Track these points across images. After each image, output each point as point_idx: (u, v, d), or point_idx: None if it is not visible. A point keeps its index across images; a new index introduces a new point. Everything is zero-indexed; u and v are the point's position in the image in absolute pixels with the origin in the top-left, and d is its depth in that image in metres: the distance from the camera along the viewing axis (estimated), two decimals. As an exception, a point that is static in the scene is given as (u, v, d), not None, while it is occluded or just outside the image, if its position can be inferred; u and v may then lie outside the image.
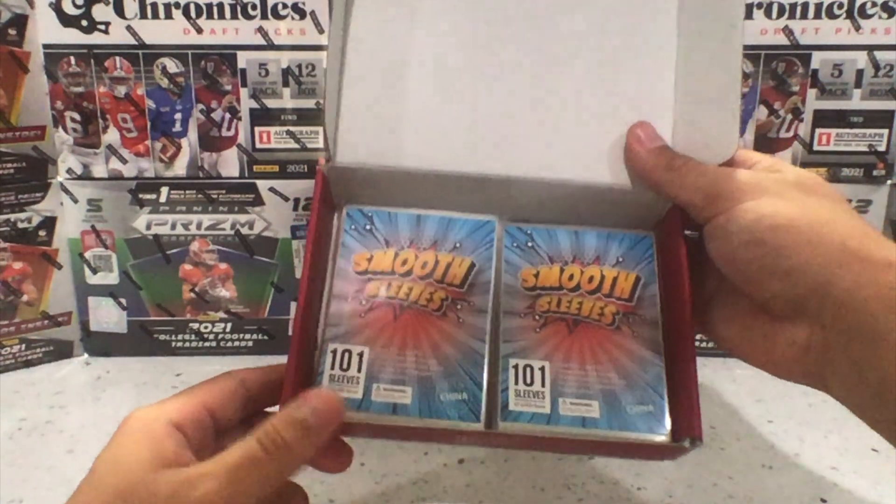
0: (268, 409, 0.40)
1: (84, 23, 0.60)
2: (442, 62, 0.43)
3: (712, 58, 0.42)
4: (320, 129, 0.62)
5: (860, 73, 0.60)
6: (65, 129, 0.63)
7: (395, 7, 0.43)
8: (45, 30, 0.60)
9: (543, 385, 0.39)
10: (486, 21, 0.43)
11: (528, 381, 0.39)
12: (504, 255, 0.43)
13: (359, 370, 0.39)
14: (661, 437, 0.38)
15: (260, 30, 0.61)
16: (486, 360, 0.40)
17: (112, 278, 0.66)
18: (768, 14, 0.60)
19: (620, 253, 0.43)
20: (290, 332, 0.39)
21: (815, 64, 0.60)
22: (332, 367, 0.39)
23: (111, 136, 0.63)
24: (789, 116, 0.62)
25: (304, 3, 0.60)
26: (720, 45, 0.42)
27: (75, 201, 0.64)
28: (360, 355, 0.39)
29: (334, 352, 0.39)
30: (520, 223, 0.44)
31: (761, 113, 0.62)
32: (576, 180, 0.43)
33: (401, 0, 0.43)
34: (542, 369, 0.39)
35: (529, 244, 0.43)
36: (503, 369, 0.39)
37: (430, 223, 0.43)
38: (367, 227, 0.43)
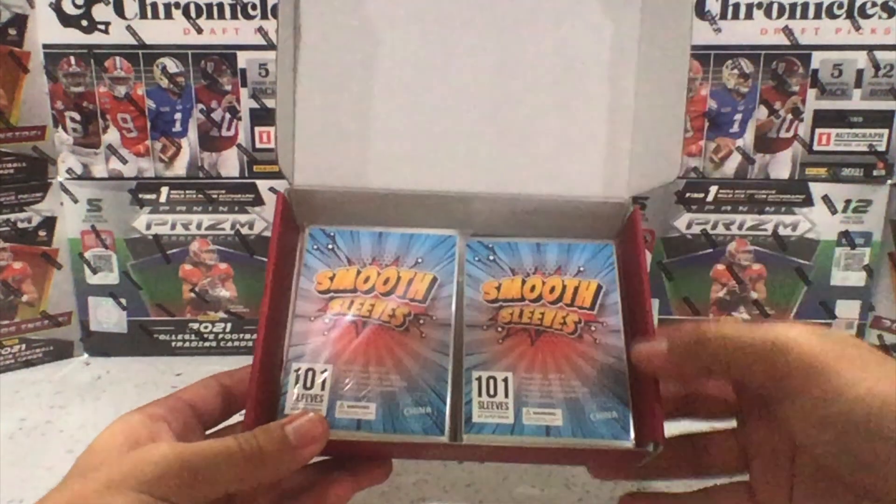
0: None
1: (84, 23, 0.60)
2: (399, 80, 0.43)
3: (663, 85, 0.42)
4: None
5: (860, 73, 0.60)
6: (65, 129, 0.63)
7: (349, 28, 0.43)
8: (45, 30, 0.60)
9: (507, 396, 0.39)
10: (443, 38, 0.43)
11: (492, 392, 0.39)
12: (466, 269, 0.43)
13: (322, 388, 0.39)
14: (626, 443, 0.38)
15: (260, 30, 0.61)
16: (449, 374, 0.40)
17: (112, 278, 0.66)
18: (768, 14, 0.60)
19: (582, 263, 0.43)
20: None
21: (815, 64, 0.60)
22: (296, 387, 0.39)
23: (111, 136, 0.63)
24: (789, 116, 0.62)
25: (304, 3, 0.60)
26: (671, 71, 0.42)
27: (75, 201, 0.64)
28: (324, 373, 0.39)
29: (298, 371, 0.39)
30: (482, 237, 0.44)
31: (761, 113, 0.62)
32: (536, 194, 0.43)
33: (353, 23, 0.43)
34: (506, 380, 0.39)
35: (491, 258, 0.43)
36: (466, 382, 0.39)
37: (391, 240, 0.44)
38: (330, 246, 0.43)
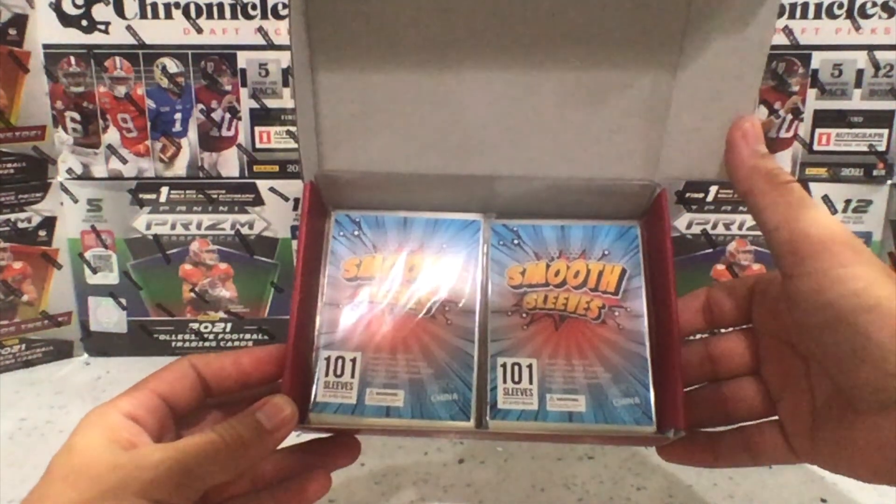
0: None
1: (84, 23, 0.60)
2: (420, 63, 0.42)
3: (728, 83, 0.40)
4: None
5: (860, 73, 0.60)
6: (65, 129, 0.63)
7: (366, 12, 0.42)
8: (45, 30, 0.60)
9: (531, 382, 0.40)
10: (466, 19, 0.43)
11: (516, 378, 0.40)
12: (491, 254, 0.43)
13: (352, 376, 0.40)
14: (648, 429, 0.39)
15: (260, 30, 0.61)
16: (475, 360, 0.40)
17: (112, 278, 0.66)
18: (768, 14, 0.60)
19: (606, 245, 0.43)
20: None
21: (815, 64, 0.60)
22: (327, 374, 0.40)
23: (111, 136, 0.63)
24: (789, 116, 0.62)
25: (304, 3, 0.60)
26: (740, 70, 0.39)
27: (75, 201, 0.64)
28: (353, 361, 0.40)
29: (328, 359, 0.40)
30: (506, 220, 0.44)
31: (761, 113, 0.62)
32: (559, 175, 0.43)
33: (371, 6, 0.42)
34: (530, 367, 0.40)
35: (515, 241, 0.44)
36: (491, 368, 0.40)
37: (416, 225, 0.44)
38: (356, 232, 0.44)
